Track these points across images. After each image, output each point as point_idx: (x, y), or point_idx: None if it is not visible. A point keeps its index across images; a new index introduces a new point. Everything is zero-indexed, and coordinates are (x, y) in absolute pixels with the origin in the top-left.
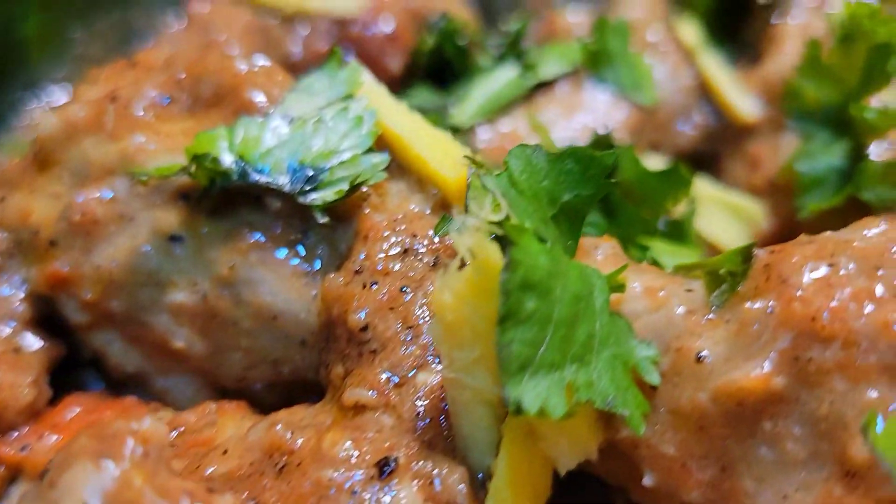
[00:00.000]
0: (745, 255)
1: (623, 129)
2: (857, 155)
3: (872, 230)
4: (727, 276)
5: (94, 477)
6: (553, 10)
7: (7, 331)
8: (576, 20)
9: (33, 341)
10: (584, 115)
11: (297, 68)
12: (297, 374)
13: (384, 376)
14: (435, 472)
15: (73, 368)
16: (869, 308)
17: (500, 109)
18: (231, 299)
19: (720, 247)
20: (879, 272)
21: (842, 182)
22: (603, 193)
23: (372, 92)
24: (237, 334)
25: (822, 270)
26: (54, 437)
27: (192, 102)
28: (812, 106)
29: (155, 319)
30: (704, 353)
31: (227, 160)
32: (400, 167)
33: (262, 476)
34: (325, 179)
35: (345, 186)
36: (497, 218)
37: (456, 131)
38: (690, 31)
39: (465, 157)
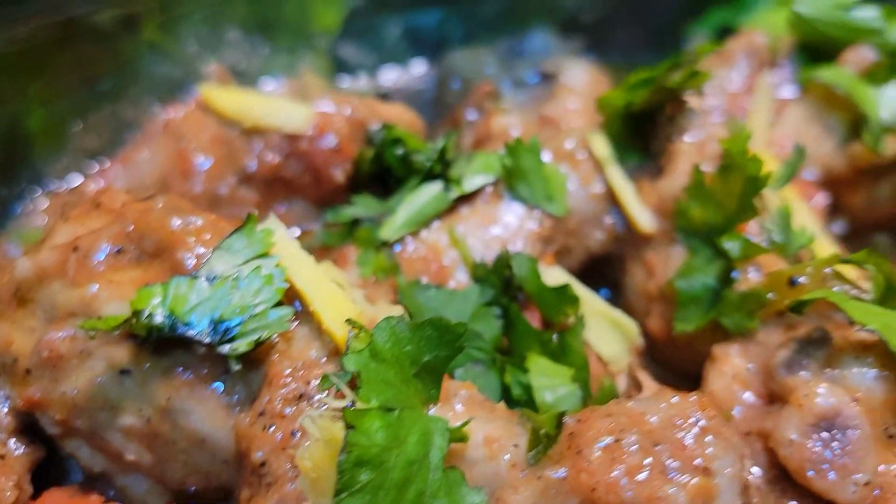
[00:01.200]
0: (558, 421)
1: (534, 239)
2: (727, 278)
3: (663, 404)
4: (544, 438)
5: None
6: (494, 105)
7: None
8: (509, 121)
9: (16, 447)
10: (499, 227)
11: (251, 179)
12: (222, 484)
13: None
14: None
15: (57, 460)
16: (639, 481)
17: (425, 222)
18: (169, 424)
19: (603, 358)
20: (657, 448)
21: (713, 303)
22: (457, 355)
23: (283, 248)
24: (176, 451)
25: (609, 445)
26: None
27: (139, 254)
28: (697, 225)
29: (111, 436)
30: None
31: (160, 317)
32: (306, 313)
33: None
34: (240, 332)
35: (254, 338)
36: (340, 405)
37: (386, 244)
38: (600, 144)
39: (347, 321)
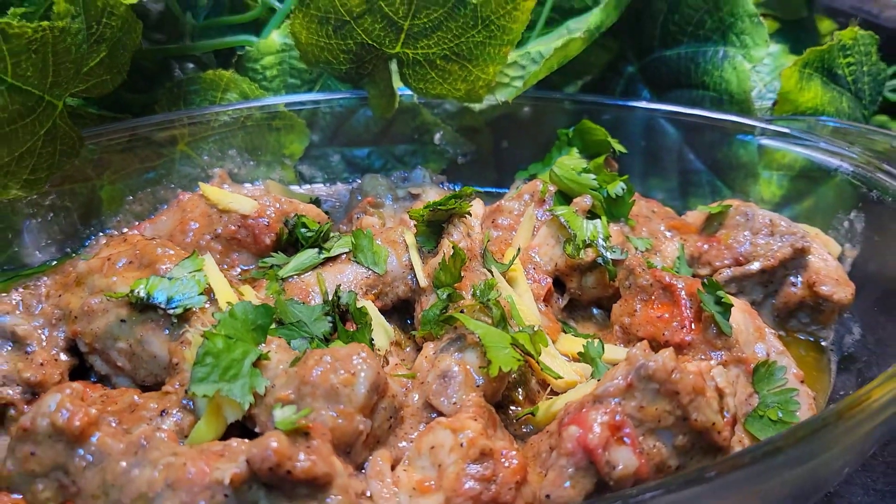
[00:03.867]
0: (298, 357)
1: (363, 284)
2: (444, 311)
3: (362, 352)
4: (296, 361)
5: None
6: (372, 210)
7: (55, 351)
8: (372, 220)
9: (65, 356)
10: (344, 276)
11: (219, 237)
12: (163, 380)
13: (177, 385)
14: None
15: (84, 366)
16: (319, 375)
17: (304, 270)
18: (140, 348)
19: (376, 347)
20: (339, 369)
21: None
22: (272, 323)
23: (209, 269)
24: (142, 362)
25: (315, 363)
26: None
27: (139, 264)
28: (442, 284)
29: (111, 354)
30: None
31: (143, 293)
32: (214, 300)
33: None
34: (179, 304)
35: (184, 307)
36: (204, 330)
37: (282, 279)
38: (409, 236)
39: (227, 303)
